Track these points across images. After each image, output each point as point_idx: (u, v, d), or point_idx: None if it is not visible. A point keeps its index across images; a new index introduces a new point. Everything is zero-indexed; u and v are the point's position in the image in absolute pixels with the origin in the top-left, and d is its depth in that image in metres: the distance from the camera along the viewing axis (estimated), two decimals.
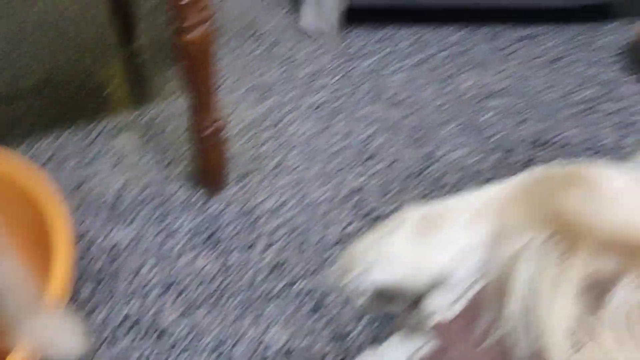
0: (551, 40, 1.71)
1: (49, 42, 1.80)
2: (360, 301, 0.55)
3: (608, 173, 0.47)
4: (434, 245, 0.51)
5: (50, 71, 1.69)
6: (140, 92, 1.62)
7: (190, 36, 1.09)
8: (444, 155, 1.41)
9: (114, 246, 1.24)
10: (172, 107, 1.56)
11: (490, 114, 1.51)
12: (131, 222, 1.29)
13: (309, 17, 1.76)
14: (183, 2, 1.05)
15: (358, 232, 1.26)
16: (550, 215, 0.46)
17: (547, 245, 0.45)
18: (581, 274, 0.43)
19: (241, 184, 1.37)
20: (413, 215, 0.54)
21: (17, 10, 1.91)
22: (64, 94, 1.60)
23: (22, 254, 0.92)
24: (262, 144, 1.46)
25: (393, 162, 1.40)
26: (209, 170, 1.31)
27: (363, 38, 1.74)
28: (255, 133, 1.49)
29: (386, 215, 1.27)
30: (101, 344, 1.10)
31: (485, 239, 0.49)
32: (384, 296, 0.53)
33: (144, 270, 1.20)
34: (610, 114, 1.51)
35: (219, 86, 1.61)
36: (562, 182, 0.47)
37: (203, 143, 1.24)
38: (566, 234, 0.44)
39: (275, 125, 1.50)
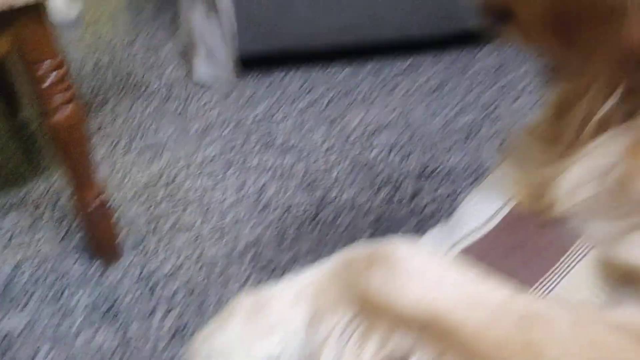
0: (431, 68, 1.79)
1: None
2: None
3: (409, 251, 0.50)
4: (261, 331, 0.53)
5: None
6: (28, 166, 1.60)
7: (57, 118, 1.09)
8: (336, 197, 1.45)
9: (5, 336, 1.21)
10: (61, 180, 1.54)
11: (378, 150, 1.56)
12: (24, 306, 1.26)
13: (201, 69, 1.78)
14: (44, 85, 1.05)
15: (257, 285, 1.27)
16: (356, 296, 0.49)
17: (350, 326, 0.48)
18: (378, 353, 0.46)
19: (138, 250, 1.36)
20: (244, 301, 0.56)
21: None
22: None
23: None
24: (158, 205, 1.46)
25: (287, 209, 1.43)
26: (102, 241, 1.30)
27: (254, 86, 1.77)
28: (151, 194, 1.49)
29: (284, 266, 1.30)
30: None
31: (304, 322, 0.51)
32: None
33: (39, 355, 1.18)
34: (490, 137, 1.59)
35: (112, 149, 1.60)
36: (367, 262, 0.50)
37: (89, 218, 1.23)
38: (367, 314, 0.48)
39: (170, 184, 1.51)
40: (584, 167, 0.55)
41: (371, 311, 0.48)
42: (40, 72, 1.04)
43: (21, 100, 1.72)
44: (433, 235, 0.63)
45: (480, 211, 0.63)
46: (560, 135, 0.63)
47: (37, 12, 0.98)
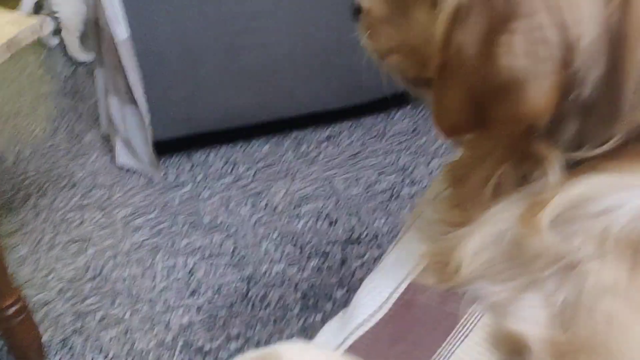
0: (350, 136, 1.85)
1: None
2: None
3: (298, 352, 0.52)
4: None
5: None
6: None
7: None
8: (266, 272, 1.46)
9: None
10: None
11: (304, 220, 1.59)
12: None
13: (122, 156, 1.79)
14: None
15: None
16: None
17: None
18: None
19: (66, 349, 1.33)
20: None
21: None
22: None
23: None
24: (84, 300, 1.44)
25: (218, 289, 1.43)
26: (24, 347, 1.26)
27: (177, 168, 1.79)
28: (76, 289, 1.46)
29: (215, 351, 1.29)
30: None
31: None
32: None
33: None
34: (410, 197, 1.64)
35: (36, 246, 1.58)
36: None
37: (9, 325, 1.20)
38: None
39: (97, 277, 1.49)
40: (482, 233, 0.59)
41: None
42: None
43: None
44: (331, 326, 0.65)
45: (375, 297, 0.65)
46: (461, 201, 0.67)
47: None
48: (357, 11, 0.68)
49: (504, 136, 0.56)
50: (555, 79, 0.45)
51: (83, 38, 2.26)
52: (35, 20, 1.17)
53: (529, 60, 0.45)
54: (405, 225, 0.78)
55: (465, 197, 0.65)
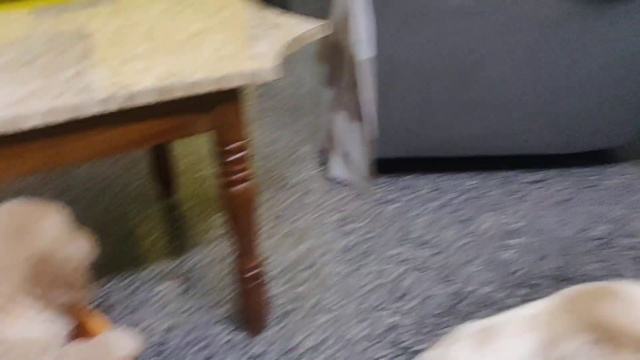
0: (560, 182, 1.85)
1: (96, 195, 1.95)
2: None
3: (634, 288, 0.56)
4: (491, 354, 0.59)
5: (97, 223, 1.83)
6: (180, 241, 1.74)
7: (236, 189, 1.23)
8: (473, 291, 1.49)
9: None
10: (210, 255, 1.67)
11: (512, 251, 1.60)
12: None
13: (337, 169, 1.93)
14: (229, 159, 1.19)
15: None
16: (592, 324, 0.55)
17: (593, 348, 0.53)
18: None
19: (282, 324, 1.44)
20: (470, 329, 0.62)
21: (66, 169, 2.09)
22: (110, 245, 1.72)
23: None
24: (300, 285, 1.55)
25: (425, 299, 1.48)
26: (251, 312, 1.38)
27: (387, 186, 1.89)
28: (293, 275, 1.58)
29: (425, 351, 1.33)
30: None
31: (534, 347, 0.57)
32: None
33: None
34: (628, 249, 1.60)
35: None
36: (597, 296, 0.56)
37: (245, 286, 1.33)
38: (608, 339, 0.53)
39: (311, 267, 1.60)
40: None
41: (611, 337, 0.54)
42: (228, 150, 1.19)
43: (174, 184, 1.91)
44: None
45: None
46: None
47: (238, 97, 1.14)
48: None
49: None
50: None
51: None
52: (316, 24, 1.33)
53: None
54: None
55: None
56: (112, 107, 1.00)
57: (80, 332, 1.06)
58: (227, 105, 1.12)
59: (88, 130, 1.03)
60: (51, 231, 1.00)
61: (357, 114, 1.82)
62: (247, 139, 1.21)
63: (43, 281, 0.97)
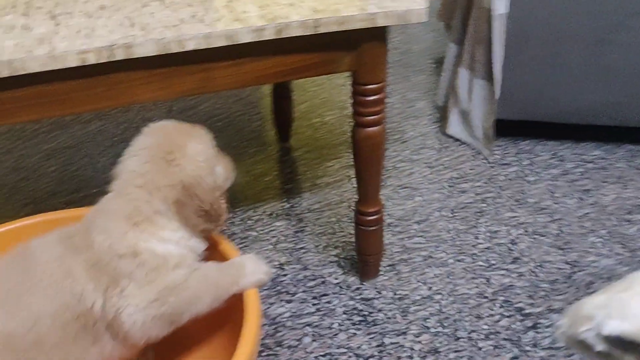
0: None
1: (216, 131, 2.01)
2: (588, 353, 0.61)
3: None
4: None
5: None
6: (294, 184, 1.78)
7: (369, 130, 1.23)
8: (592, 262, 1.45)
9: (274, 319, 1.34)
10: (323, 200, 1.70)
11: (637, 227, 1.54)
12: (289, 301, 1.39)
13: (455, 127, 1.90)
14: (368, 99, 1.19)
15: (510, 327, 1.29)
16: None
17: None
18: None
19: (393, 273, 1.45)
20: None
21: (188, 105, 2.17)
22: None
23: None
24: (412, 237, 1.55)
25: (540, 264, 1.45)
26: (365, 256, 1.40)
27: (505, 149, 1.85)
28: (404, 227, 1.59)
29: (538, 314, 1.31)
30: None
31: None
32: (618, 348, 0.59)
33: (303, 343, 1.29)
34: None
35: None
36: None
37: (363, 230, 1.35)
38: None
39: (424, 221, 1.60)
40: None
41: None
42: (368, 90, 1.19)
43: (291, 128, 1.94)
44: None
45: None
46: None
47: (384, 37, 1.14)
48: None
49: None
50: None
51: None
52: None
53: None
54: None
55: None
56: (265, 36, 1.02)
57: (212, 255, 1.11)
58: (373, 44, 1.12)
59: (239, 58, 1.06)
60: (199, 156, 1.03)
61: (482, 72, 1.78)
62: (384, 82, 1.21)
63: (187, 208, 1.01)
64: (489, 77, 1.76)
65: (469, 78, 1.83)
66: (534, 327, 1.30)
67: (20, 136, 2.10)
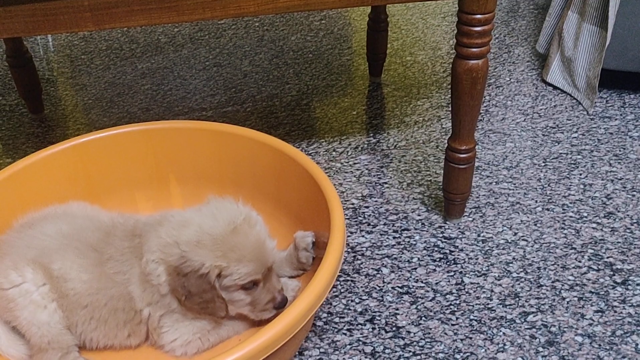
0: None
1: (306, 65, 2.01)
2: None
3: None
4: None
5: (305, 90, 1.89)
6: (381, 120, 1.76)
7: (473, 63, 1.18)
8: None
9: (354, 248, 1.34)
10: (410, 138, 1.67)
11: None
12: (369, 232, 1.39)
13: (556, 74, 1.81)
14: (474, 29, 1.14)
15: (598, 281, 1.25)
16: None
17: None
18: None
19: (478, 215, 1.42)
20: None
21: (279, 36, 2.17)
22: (315, 111, 1.78)
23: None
24: (499, 182, 1.51)
25: (636, 222, 1.38)
26: (452, 195, 1.37)
27: (607, 101, 1.75)
28: (493, 172, 1.54)
29: (630, 271, 1.25)
30: (338, 330, 1.18)
31: None
32: None
33: (381, 274, 1.29)
34: None
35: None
36: None
37: (454, 167, 1.31)
38: None
39: (513, 168, 1.55)
40: None
41: None
42: (475, 20, 1.14)
43: (383, 64, 1.90)
44: None
45: None
46: None
47: None
48: None
49: None
50: None
51: None
52: None
53: None
54: None
55: None
56: None
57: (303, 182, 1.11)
58: None
59: None
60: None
61: (594, 16, 1.67)
62: (493, 15, 1.16)
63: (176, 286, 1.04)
64: (600, 22, 1.66)
65: (578, 23, 1.73)
66: (623, 283, 1.25)
67: (118, 54, 2.16)
